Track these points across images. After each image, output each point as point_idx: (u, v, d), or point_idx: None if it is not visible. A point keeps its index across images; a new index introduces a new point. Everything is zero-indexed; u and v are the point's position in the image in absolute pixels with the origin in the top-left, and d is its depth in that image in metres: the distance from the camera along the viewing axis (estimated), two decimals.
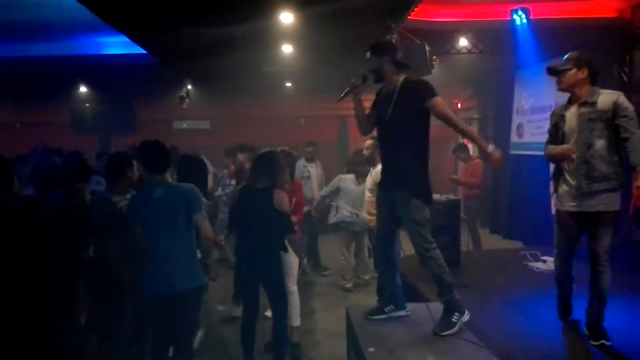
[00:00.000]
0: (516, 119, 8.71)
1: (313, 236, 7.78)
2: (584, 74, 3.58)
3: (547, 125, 3.97)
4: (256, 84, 9.67)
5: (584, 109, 3.56)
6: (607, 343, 3.49)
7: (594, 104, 3.52)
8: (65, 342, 3.59)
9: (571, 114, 3.64)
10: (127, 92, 10.10)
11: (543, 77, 3.78)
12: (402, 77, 3.50)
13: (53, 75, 8.66)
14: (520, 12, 6.13)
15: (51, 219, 3.86)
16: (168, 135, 10.30)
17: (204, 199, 3.84)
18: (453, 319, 3.45)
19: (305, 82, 9.95)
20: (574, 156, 3.59)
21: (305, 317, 5.49)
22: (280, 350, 4.39)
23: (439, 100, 3.37)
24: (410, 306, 3.83)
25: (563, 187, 3.71)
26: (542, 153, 3.97)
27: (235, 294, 5.68)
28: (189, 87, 10.01)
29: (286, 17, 5.87)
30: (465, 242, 6.59)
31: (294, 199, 5.10)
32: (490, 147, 3.35)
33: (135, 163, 3.88)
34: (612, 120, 3.46)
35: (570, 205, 3.66)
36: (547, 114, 4.01)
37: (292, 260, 4.71)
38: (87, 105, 10.81)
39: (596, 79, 3.64)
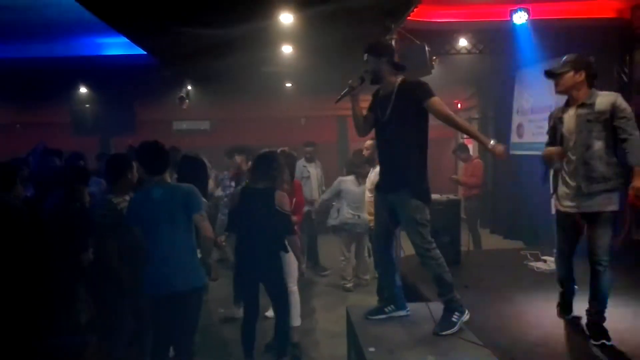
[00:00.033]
0: (516, 119, 8.72)
1: (313, 236, 7.78)
2: (581, 76, 3.59)
3: (547, 125, 3.98)
4: (256, 84, 9.67)
5: (582, 111, 3.57)
6: (608, 343, 3.49)
7: (592, 105, 3.54)
8: (65, 342, 3.59)
9: (569, 116, 3.65)
10: (127, 92, 10.09)
11: (543, 77, 3.79)
12: (399, 78, 3.51)
13: (53, 76, 8.66)
14: (520, 13, 6.12)
15: (51, 221, 3.87)
16: (168, 135, 10.31)
17: (203, 199, 3.84)
18: (453, 319, 3.45)
19: (305, 82, 9.96)
20: (566, 160, 3.62)
21: (306, 317, 5.49)
22: (282, 349, 4.39)
23: (436, 100, 3.38)
24: (411, 306, 3.83)
25: (562, 188, 3.71)
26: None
27: (236, 296, 5.69)
28: (189, 87, 10.01)
29: (286, 18, 5.87)
30: (466, 242, 6.59)
31: (294, 199, 5.10)
32: (492, 142, 3.36)
33: (134, 164, 3.89)
34: (610, 121, 3.47)
35: (569, 206, 3.67)
36: (548, 114, 4.02)
37: (292, 261, 4.71)
38: (87, 106, 10.80)
39: (594, 81, 3.65)
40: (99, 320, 3.74)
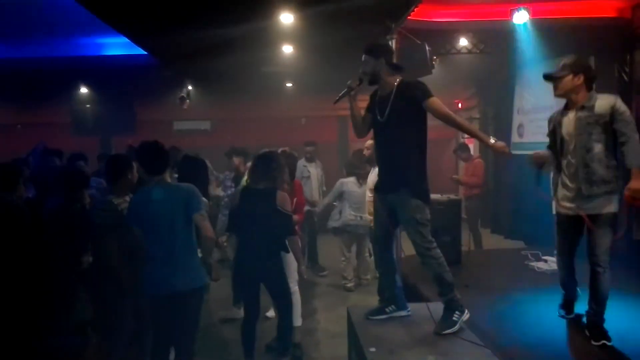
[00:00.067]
0: (517, 119, 8.70)
1: (313, 236, 7.78)
2: (580, 79, 3.60)
3: (547, 125, 3.98)
4: (256, 84, 9.67)
5: (581, 114, 3.59)
6: (608, 343, 3.49)
7: (591, 108, 3.55)
8: (65, 342, 3.59)
9: (569, 119, 3.67)
10: (127, 93, 10.11)
11: (547, 71, 3.79)
12: (397, 79, 3.52)
13: (53, 77, 8.67)
14: (520, 12, 6.11)
15: (51, 222, 3.87)
16: (168, 135, 10.30)
17: (204, 199, 3.84)
18: (454, 318, 3.46)
19: (305, 82, 9.95)
20: (566, 162, 3.64)
21: (307, 317, 5.49)
22: (284, 348, 4.39)
23: (435, 100, 3.39)
24: (411, 306, 3.84)
25: (562, 191, 3.73)
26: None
27: (235, 297, 5.68)
28: (190, 87, 10.01)
29: (286, 18, 5.87)
30: (467, 241, 6.59)
31: (294, 199, 5.10)
32: (492, 140, 3.37)
33: (134, 165, 3.89)
34: (610, 124, 3.48)
35: (569, 208, 3.69)
36: (548, 114, 4.02)
37: (293, 261, 4.71)
38: (87, 106, 10.82)
39: (592, 84, 3.66)
40: (99, 320, 3.74)
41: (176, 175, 4.73)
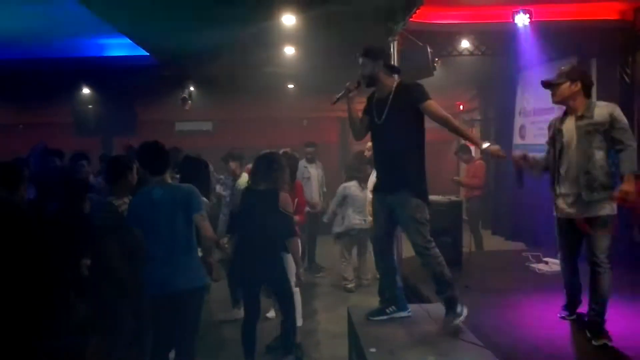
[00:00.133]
0: (519, 121, 8.70)
1: (312, 236, 7.77)
2: (577, 86, 3.68)
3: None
4: (258, 85, 9.68)
5: (581, 122, 3.65)
6: (609, 344, 3.50)
7: (590, 116, 3.62)
8: (65, 342, 3.59)
9: (569, 127, 3.73)
10: (128, 93, 10.12)
11: (545, 78, 3.83)
12: (395, 81, 3.54)
13: (55, 77, 8.70)
14: (522, 14, 6.11)
15: (51, 223, 3.88)
16: (170, 136, 10.31)
17: (204, 199, 3.85)
18: (456, 313, 3.47)
19: (307, 83, 9.97)
20: (565, 169, 3.69)
21: (307, 318, 5.49)
22: (288, 347, 4.39)
23: (432, 103, 3.43)
24: (412, 307, 3.84)
25: (561, 195, 3.76)
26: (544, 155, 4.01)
27: (233, 298, 5.67)
28: (191, 88, 10.03)
29: (288, 20, 5.89)
30: (467, 243, 6.58)
31: (295, 200, 5.10)
32: (485, 144, 3.42)
33: (135, 166, 3.89)
34: (609, 131, 3.56)
35: (568, 212, 3.73)
36: (550, 116, 4.06)
37: (291, 263, 4.70)
38: (89, 106, 10.84)
39: (590, 91, 3.74)
40: (99, 321, 3.74)
41: (178, 176, 4.73)
